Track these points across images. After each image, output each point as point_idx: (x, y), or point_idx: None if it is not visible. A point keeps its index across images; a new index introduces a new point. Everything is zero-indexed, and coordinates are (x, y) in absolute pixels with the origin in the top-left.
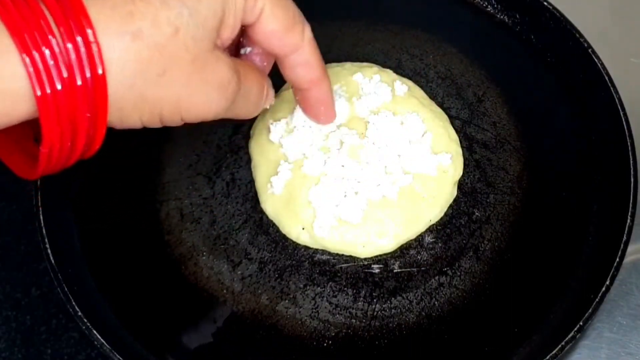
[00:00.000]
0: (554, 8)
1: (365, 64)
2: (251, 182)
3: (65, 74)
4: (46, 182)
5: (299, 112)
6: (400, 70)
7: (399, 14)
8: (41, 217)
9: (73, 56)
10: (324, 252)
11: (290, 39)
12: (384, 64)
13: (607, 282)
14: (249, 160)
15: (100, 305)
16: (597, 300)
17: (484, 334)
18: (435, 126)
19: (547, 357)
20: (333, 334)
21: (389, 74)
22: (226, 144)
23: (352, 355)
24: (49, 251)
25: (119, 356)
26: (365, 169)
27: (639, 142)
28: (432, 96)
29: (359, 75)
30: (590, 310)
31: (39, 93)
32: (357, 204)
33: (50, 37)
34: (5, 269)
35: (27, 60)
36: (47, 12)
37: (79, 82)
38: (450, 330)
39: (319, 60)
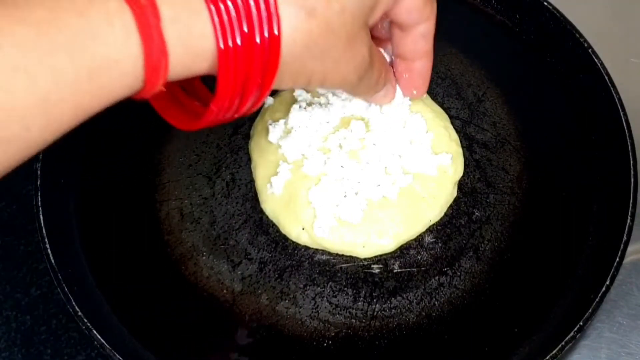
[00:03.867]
0: (554, 8)
1: None
2: (251, 182)
3: (246, 29)
4: (46, 182)
5: (295, 112)
6: None
7: None
8: (41, 217)
9: (254, 12)
10: (324, 252)
11: (427, 8)
12: None
13: (607, 282)
14: (249, 160)
15: (100, 305)
16: (597, 300)
17: (484, 334)
18: (436, 126)
19: (547, 357)
20: (333, 334)
21: None
22: (226, 144)
23: (352, 355)
24: (49, 251)
25: (119, 356)
26: (366, 169)
27: (639, 142)
28: (432, 96)
29: None
30: (590, 310)
31: (222, 46)
32: (357, 204)
33: None
34: (5, 269)
35: (214, 10)
36: None
37: (258, 40)
38: (450, 330)
39: (432, 33)
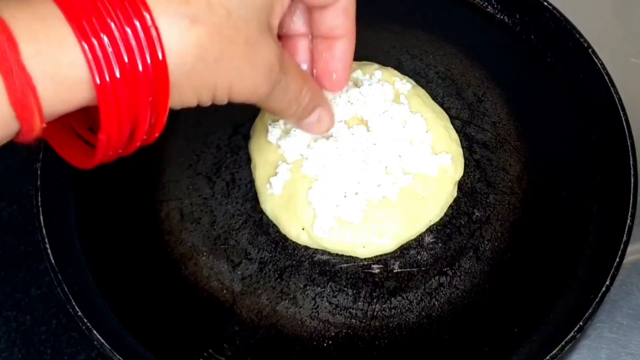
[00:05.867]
0: (554, 8)
1: (365, 62)
2: (251, 182)
3: (125, 59)
4: (46, 182)
5: None
6: (400, 70)
7: (399, 14)
8: (41, 217)
9: (133, 41)
10: (324, 252)
11: None
12: (384, 64)
13: (607, 282)
14: (249, 161)
15: (100, 305)
16: (597, 300)
17: (484, 334)
18: (436, 126)
19: (547, 357)
20: (333, 334)
21: (391, 71)
22: (226, 144)
23: (352, 355)
24: (49, 251)
25: (119, 356)
26: (366, 169)
27: (639, 142)
28: (432, 96)
29: (359, 73)
30: (590, 310)
31: (98, 81)
32: (357, 204)
33: (109, 21)
34: (5, 269)
35: (86, 47)
36: None
37: (140, 68)
38: (450, 330)
39: (354, 9)
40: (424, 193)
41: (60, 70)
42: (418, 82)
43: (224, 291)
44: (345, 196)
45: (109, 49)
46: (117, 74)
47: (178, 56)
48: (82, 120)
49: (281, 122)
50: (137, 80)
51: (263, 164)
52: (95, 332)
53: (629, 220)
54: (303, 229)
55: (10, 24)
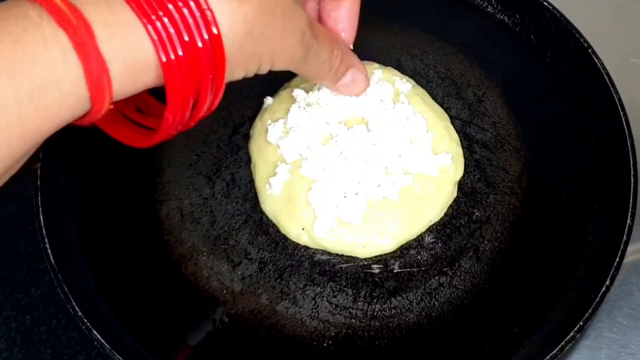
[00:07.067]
0: (554, 8)
1: (365, 62)
2: (251, 182)
3: (186, 38)
4: (46, 182)
5: (294, 112)
6: (400, 70)
7: (399, 14)
8: (41, 217)
9: (190, 21)
10: (324, 252)
11: None
12: (384, 64)
13: (607, 282)
14: (248, 161)
15: (100, 305)
16: (597, 300)
17: (484, 334)
18: (436, 126)
19: (547, 357)
20: (333, 334)
21: (391, 71)
22: (226, 144)
23: (352, 355)
24: (49, 251)
25: (119, 356)
26: (366, 170)
27: (639, 142)
28: (432, 96)
29: None
30: (590, 310)
31: (164, 59)
32: (357, 204)
33: (167, 3)
34: (5, 269)
35: (151, 29)
36: None
37: (200, 44)
38: (450, 330)
39: None
40: (424, 193)
41: (130, 52)
42: (418, 82)
43: (224, 291)
44: (345, 196)
45: (171, 30)
46: (180, 52)
47: (230, 32)
48: (130, 103)
49: (281, 121)
50: (197, 56)
51: (263, 164)
52: (95, 332)
53: (629, 220)
54: (303, 229)
55: (84, 11)
